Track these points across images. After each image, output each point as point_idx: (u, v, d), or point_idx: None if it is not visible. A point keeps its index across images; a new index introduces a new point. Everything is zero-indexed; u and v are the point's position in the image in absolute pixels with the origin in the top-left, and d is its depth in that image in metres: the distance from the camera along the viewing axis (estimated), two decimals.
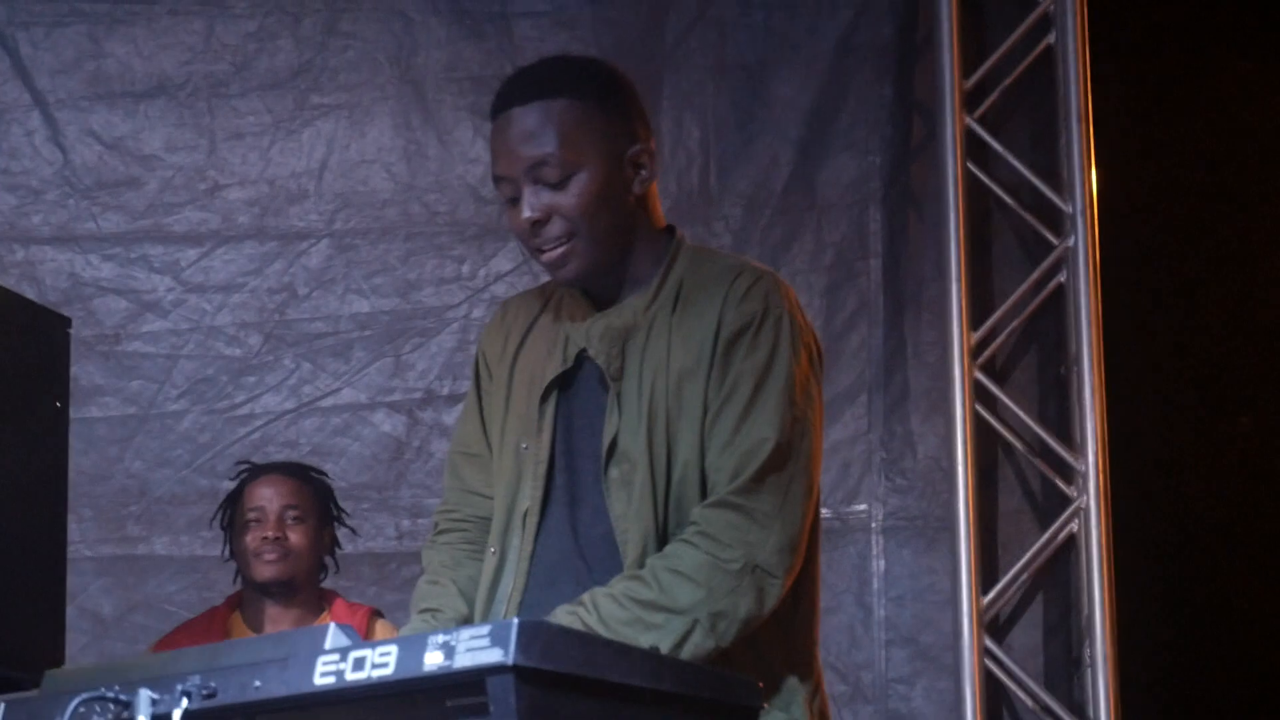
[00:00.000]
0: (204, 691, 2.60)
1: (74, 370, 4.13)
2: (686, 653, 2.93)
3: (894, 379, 6.03)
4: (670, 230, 3.35)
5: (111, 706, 2.67)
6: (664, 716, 2.65)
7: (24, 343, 4.02)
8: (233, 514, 4.98)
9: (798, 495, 3.11)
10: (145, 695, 2.63)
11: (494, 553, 3.24)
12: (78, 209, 6.31)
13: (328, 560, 5.20)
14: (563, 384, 3.23)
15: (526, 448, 3.23)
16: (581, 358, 3.22)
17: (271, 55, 6.37)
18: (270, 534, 4.89)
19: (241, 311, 6.22)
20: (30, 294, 4.43)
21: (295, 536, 4.92)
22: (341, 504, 6.01)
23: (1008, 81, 6.15)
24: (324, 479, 5.22)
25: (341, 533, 6.03)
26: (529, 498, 3.20)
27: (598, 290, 3.27)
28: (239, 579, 5.19)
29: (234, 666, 2.64)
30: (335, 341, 6.17)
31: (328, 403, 6.13)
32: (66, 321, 4.19)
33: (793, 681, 3.13)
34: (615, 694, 2.53)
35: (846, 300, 6.06)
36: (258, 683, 2.57)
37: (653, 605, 2.94)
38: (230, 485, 5.36)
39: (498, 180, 3.26)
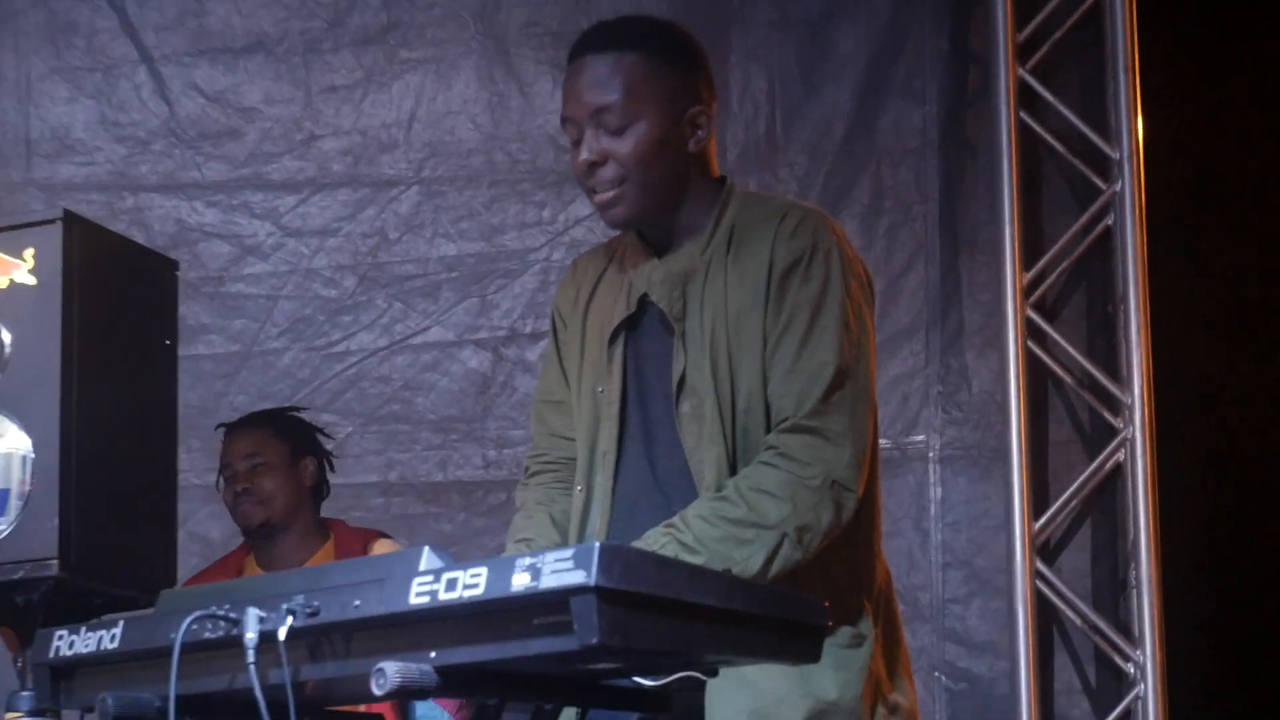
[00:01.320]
0: (308, 610, 2.63)
1: (181, 310, 4.19)
2: (777, 565, 2.99)
3: (950, 317, 6.03)
4: (722, 180, 3.37)
5: (222, 623, 2.70)
6: (736, 635, 2.68)
7: (135, 285, 4.05)
8: (220, 471, 5.02)
9: (862, 414, 3.15)
10: (253, 613, 2.65)
11: (581, 490, 3.29)
12: (183, 159, 6.36)
13: (319, 488, 5.18)
14: (629, 327, 3.27)
15: (602, 391, 3.27)
16: (645, 302, 3.26)
17: (362, 13, 6.39)
18: (239, 486, 4.92)
19: (337, 255, 6.26)
20: (139, 239, 4.48)
21: (264, 482, 4.93)
22: (431, 436, 6.08)
23: (1058, 34, 6.13)
24: (294, 417, 5.22)
25: (433, 459, 6.10)
26: (606, 438, 3.24)
27: (655, 238, 3.31)
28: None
29: (335, 587, 2.67)
30: (424, 283, 6.19)
31: (418, 340, 6.16)
32: (174, 264, 4.23)
33: (859, 598, 3.17)
34: (690, 614, 2.55)
35: (905, 242, 6.06)
36: (357, 602, 2.60)
37: (743, 522, 2.98)
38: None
39: (564, 121, 3.32)
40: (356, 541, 4.94)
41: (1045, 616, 5.85)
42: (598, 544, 2.45)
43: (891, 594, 3.32)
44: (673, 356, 3.20)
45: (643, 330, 3.28)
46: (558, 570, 2.41)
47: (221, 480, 4.93)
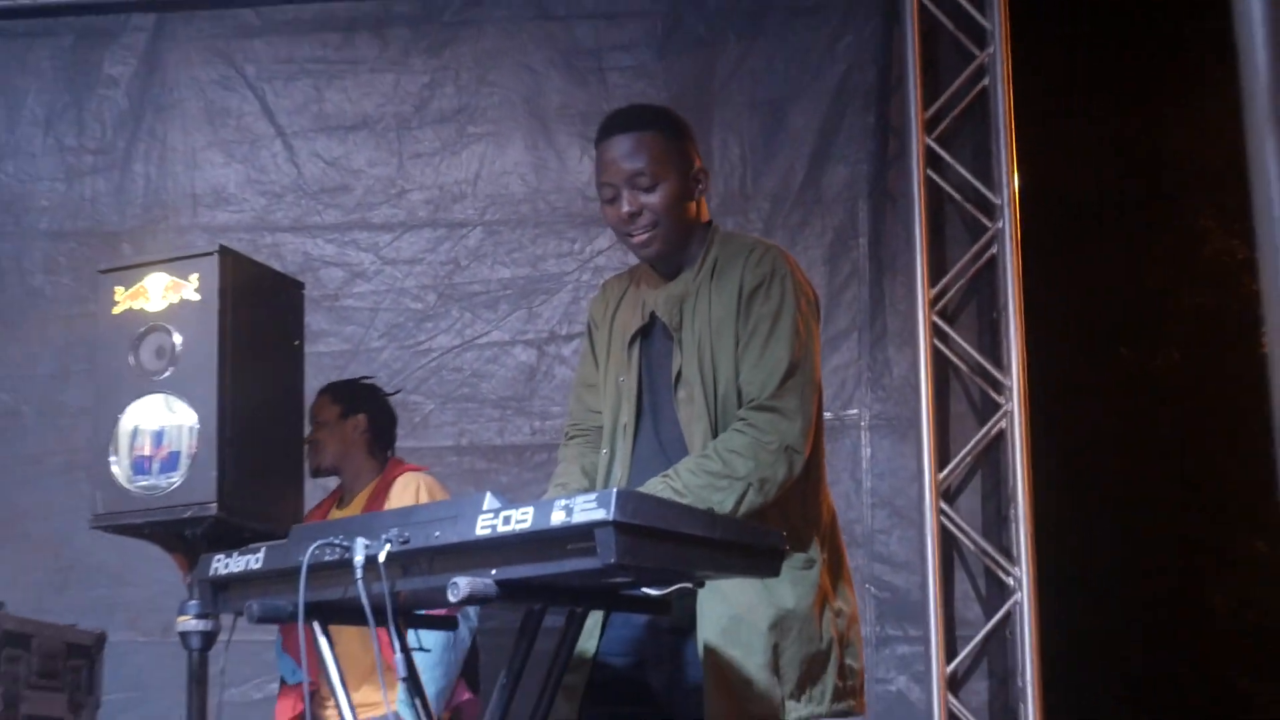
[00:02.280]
0: (401, 539, 2.68)
1: (306, 319, 4.19)
2: (744, 506, 3.01)
3: (876, 322, 6.01)
4: (709, 223, 3.40)
5: (338, 549, 2.74)
6: (716, 557, 2.74)
7: (271, 300, 4.07)
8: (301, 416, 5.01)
9: (809, 396, 3.18)
10: (360, 541, 2.72)
11: (606, 452, 3.30)
12: (307, 207, 6.36)
13: (372, 430, 5.12)
14: (643, 335, 3.31)
15: (623, 380, 3.30)
16: (654, 316, 3.29)
17: (439, 99, 6.38)
18: (325, 440, 4.91)
19: (421, 278, 6.25)
20: (276, 266, 4.49)
21: (319, 436, 4.91)
22: (492, 411, 6.08)
23: (955, 112, 6.10)
24: (349, 383, 5.18)
25: (493, 428, 6.09)
26: (627, 414, 3.27)
27: (664, 269, 3.33)
28: None
29: (421, 522, 2.72)
30: (486, 298, 6.19)
31: (482, 340, 6.16)
32: (300, 285, 4.25)
33: (810, 532, 3.18)
34: (683, 541, 2.62)
35: (843, 267, 6.04)
36: (437, 533, 2.65)
37: (719, 474, 3.01)
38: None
39: (602, 185, 3.32)
40: (395, 474, 4.92)
41: (947, 543, 5.85)
42: (615, 489, 2.50)
43: (836, 528, 3.33)
44: (672, 357, 3.24)
45: (652, 337, 3.32)
46: (585, 509, 2.46)
47: (313, 422, 4.92)
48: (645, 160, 3.24)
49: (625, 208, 3.24)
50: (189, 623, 3.69)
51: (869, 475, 5.96)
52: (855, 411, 5.97)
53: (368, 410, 5.02)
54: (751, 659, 3.02)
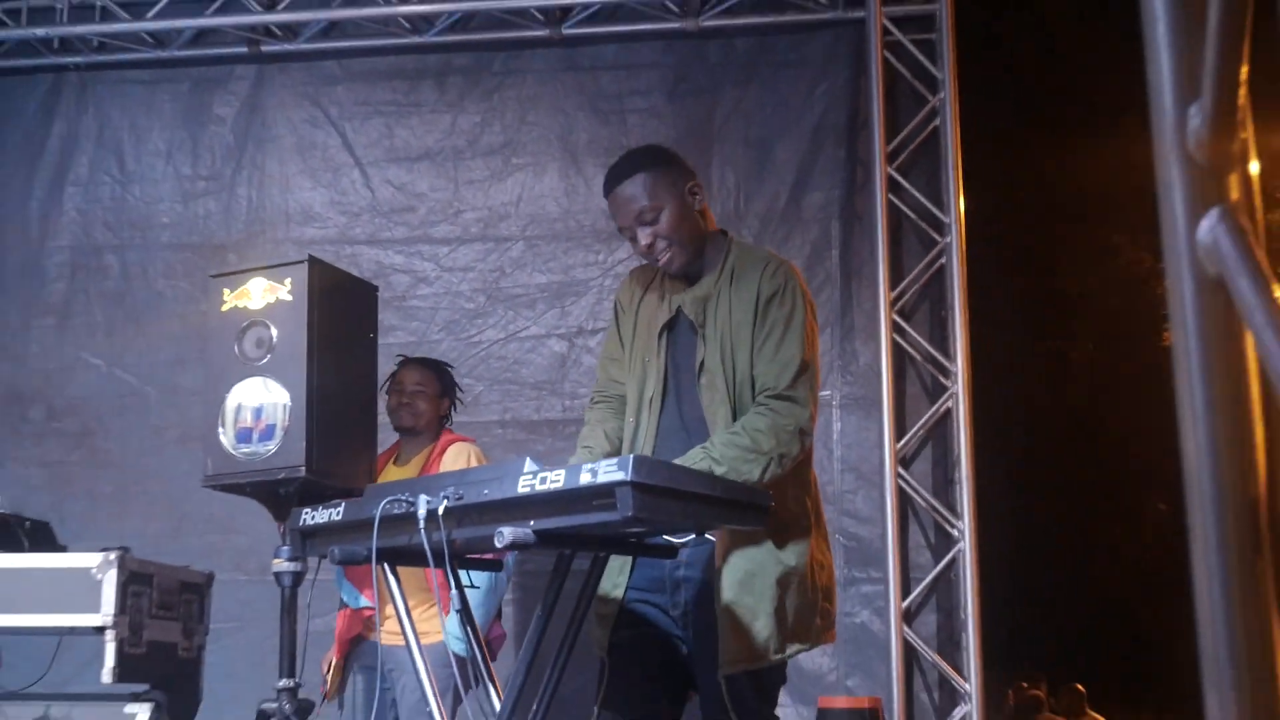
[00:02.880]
0: (456, 495, 2.68)
1: (379, 316, 4.19)
2: (768, 476, 3.01)
3: (846, 319, 5.99)
4: (724, 232, 3.39)
5: (404, 504, 2.76)
6: (713, 510, 2.74)
7: (350, 300, 4.07)
8: (388, 388, 4.97)
9: (814, 389, 3.19)
10: (423, 497, 2.73)
11: (632, 422, 3.28)
12: (380, 224, 6.36)
13: (450, 412, 5.10)
14: (670, 328, 3.28)
15: (649, 361, 3.27)
16: (680, 312, 3.27)
17: (488, 135, 6.38)
18: (405, 400, 4.87)
19: (474, 282, 6.25)
20: (354, 273, 4.49)
21: (420, 403, 4.88)
22: (531, 392, 6.08)
23: (912, 146, 6.08)
24: (449, 371, 5.17)
25: (531, 406, 6.09)
26: (653, 390, 3.24)
27: (688, 274, 3.31)
28: None
29: (473, 482, 2.74)
30: (526, 299, 6.18)
31: (522, 334, 6.15)
32: (374, 288, 4.25)
33: (804, 500, 3.18)
34: (687, 498, 2.63)
35: (818, 274, 6.02)
36: (486, 491, 2.67)
37: (749, 449, 2.99)
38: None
39: (620, 229, 3.34)
40: (448, 443, 4.91)
41: (903, 501, 5.84)
42: (632, 455, 2.52)
43: (819, 494, 3.32)
44: (696, 348, 3.21)
45: (678, 330, 3.29)
46: (607, 471, 2.48)
47: (390, 394, 4.90)
48: (644, 199, 3.22)
49: (643, 241, 3.24)
50: (282, 564, 3.71)
51: (839, 445, 5.95)
52: (828, 393, 5.95)
53: (450, 396, 5.02)
54: (762, 606, 3.03)
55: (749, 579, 3.04)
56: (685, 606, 3.13)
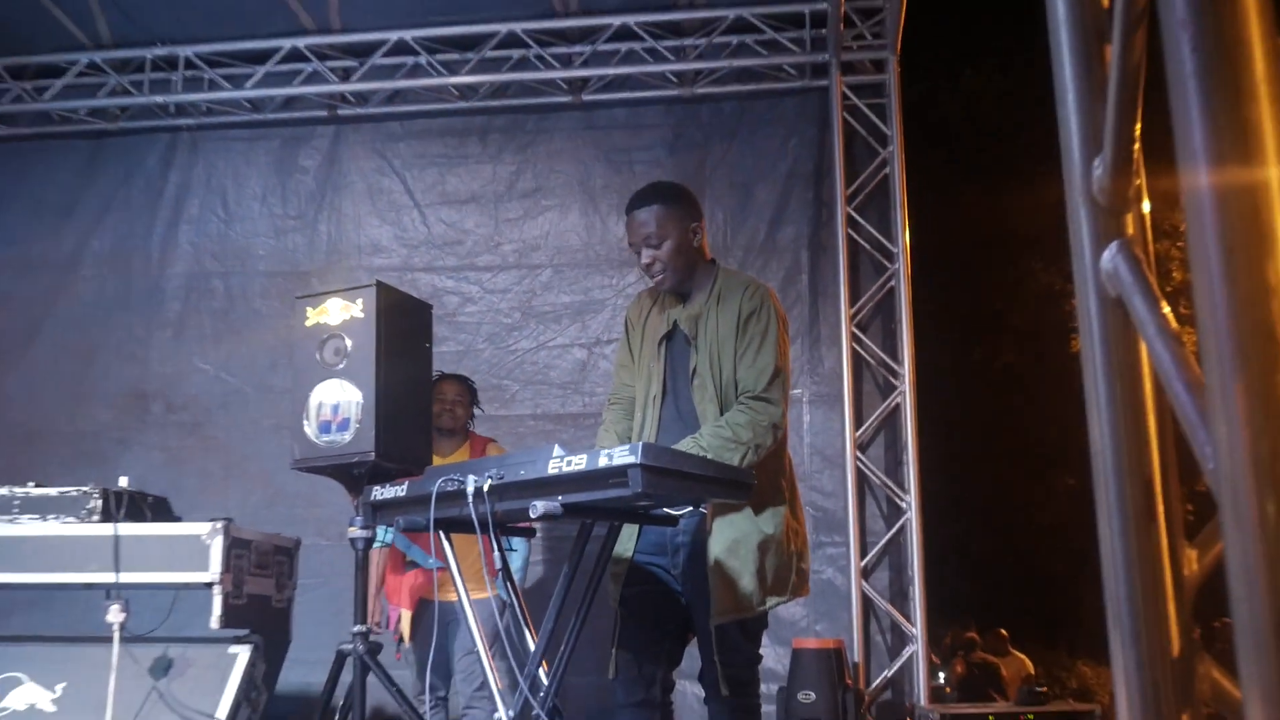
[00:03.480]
0: (499, 475, 2.68)
1: (435, 329, 4.18)
2: (746, 461, 2.99)
3: (813, 330, 5.98)
4: (714, 261, 3.37)
5: (456, 482, 2.74)
6: (706, 487, 2.73)
7: (410, 316, 4.04)
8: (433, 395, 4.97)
9: (786, 390, 3.16)
10: (471, 477, 2.71)
11: (640, 416, 3.27)
12: (435, 254, 6.37)
13: (475, 414, 5.10)
14: (668, 340, 3.26)
15: (652, 366, 3.26)
16: (676, 327, 3.25)
17: (523, 181, 6.38)
18: (447, 408, 4.88)
19: (510, 301, 6.25)
20: (414, 294, 4.48)
21: (458, 410, 4.89)
22: (558, 391, 6.07)
23: (867, 189, 6.09)
24: (470, 381, 5.19)
25: (557, 403, 6.08)
26: (655, 390, 3.23)
27: (681, 293, 3.29)
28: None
29: (511, 464, 2.72)
30: (554, 315, 6.18)
31: (551, 344, 6.14)
32: (429, 307, 4.21)
33: (779, 479, 3.16)
34: (686, 477, 2.62)
35: (791, 294, 6.01)
36: (522, 471, 2.65)
37: (730, 439, 2.99)
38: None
39: (630, 245, 3.32)
40: (480, 443, 4.90)
41: (860, 479, 5.83)
42: (641, 443, 2.50)
43: (794, 475, 3.30)
44: (689, 357, 3.20)
45: (675, 342, 3.27)
46: (621, 456, 2.47)
47: (435, 402, 4.90)
48: (653, 226, 3.21)
49: (644, 260, 3.24)
50: (355, 531, 3.68)
51: (809, 434, 5.94)
52: (800, 391, 5.95)
53: (476, 404, 5.03)
54: (746, 567, 3.03)
55: (735, 545, 3.04)
56: (682, 566, 3.13)
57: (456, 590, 3.08)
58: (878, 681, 5.67)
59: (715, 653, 3.02)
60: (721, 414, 3.10)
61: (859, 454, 5.85)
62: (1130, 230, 0.85)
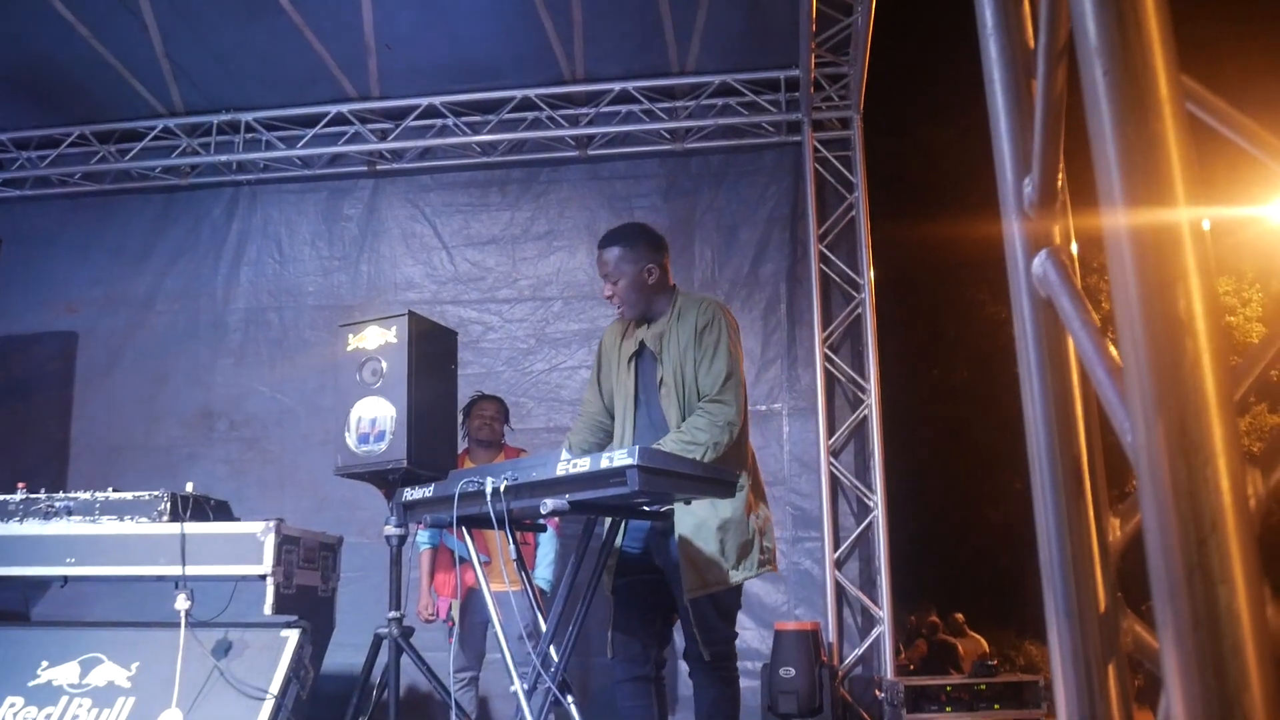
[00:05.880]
0: (513, 477, 2.64)
1: (459, 355, 4.15)
2: (708, 457, 2.95)
3: (791, 352, 5.94)
4: (674, 287, 3.32)
5: (475, 483, 2.71)
6: (697, 485, 2.69)
7: (437, 342, 4.02)
8: (469, 412, 4.94)
9: (740, 392, 3.11)
10: (489, 478, 2.68)
11: (619, 425, 3.24)
12: (460, 290, 6.35)
13: (507, 432, 5.09)
14: (637, 358, 3.24)
15: (625, 383, 3.24)
16: (644, 346, 3.23)
17: (537, 225, 6.37)
18: (485, 422, 4.85)
19: (526, 329, 6.23)
20: (442, 323, 4.47)
21: (496, 426, 4.87)
22: (567, 407, 6.03)
23: (836, 230, 6.08)
24: (503, 401, 5.17)
25: (567, 417, 6.03)
26: (628, 404, 3.21)
27: (644, 319, 3.26)
28: (467, 440, 5.00)
29: (524, 467, 2.68)
30: (564, 341, 6.15)
31: (562, 366, 6.11)
32: (454, 333, 4.19)
33: (740, 468, 3.09)
34: (677, 476, 2.58)
35: (772, 321, 6.00)
36: (534, 473, 2.62)
37: (690, 442, 2.95)
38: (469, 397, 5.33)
39: (600, 274, 3.31)
40: (513, 453, 4.88)
41: (834, 482, 5.79)
42: (638, 446, 2.47)
43: (757, 466, 3.25)
44: (656, 370, 3.17)
45: (643, 360, 3.24)
46: (620, 458, 2.43)
47: (475, 417, 4.88)
48: (611, 266, 3.21)
49: (607, 292, 3.25)
50: (390, 530, 3.67)
51: (788, 442, 5.90)
52: (779, 405, 5.92)
53: (507, 420, 5.02)
54: (708, 547, 2.99)
55: (697, 528, 3.00)
56: (659, 552, 3.10)
57: (478, 580, 3.05)
58: (850, 659, 5.61)
59: (694, 627, 2.98)
60: (682, 418, 3.06)
61: (832, 459, 5.81)
62: (1057, 240, 0.83)
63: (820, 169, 6.14)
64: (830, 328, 5.96)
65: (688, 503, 2.87)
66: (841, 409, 5.95)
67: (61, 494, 4.30)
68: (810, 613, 5.62)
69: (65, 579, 4.34)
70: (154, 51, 6.01)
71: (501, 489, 2.65)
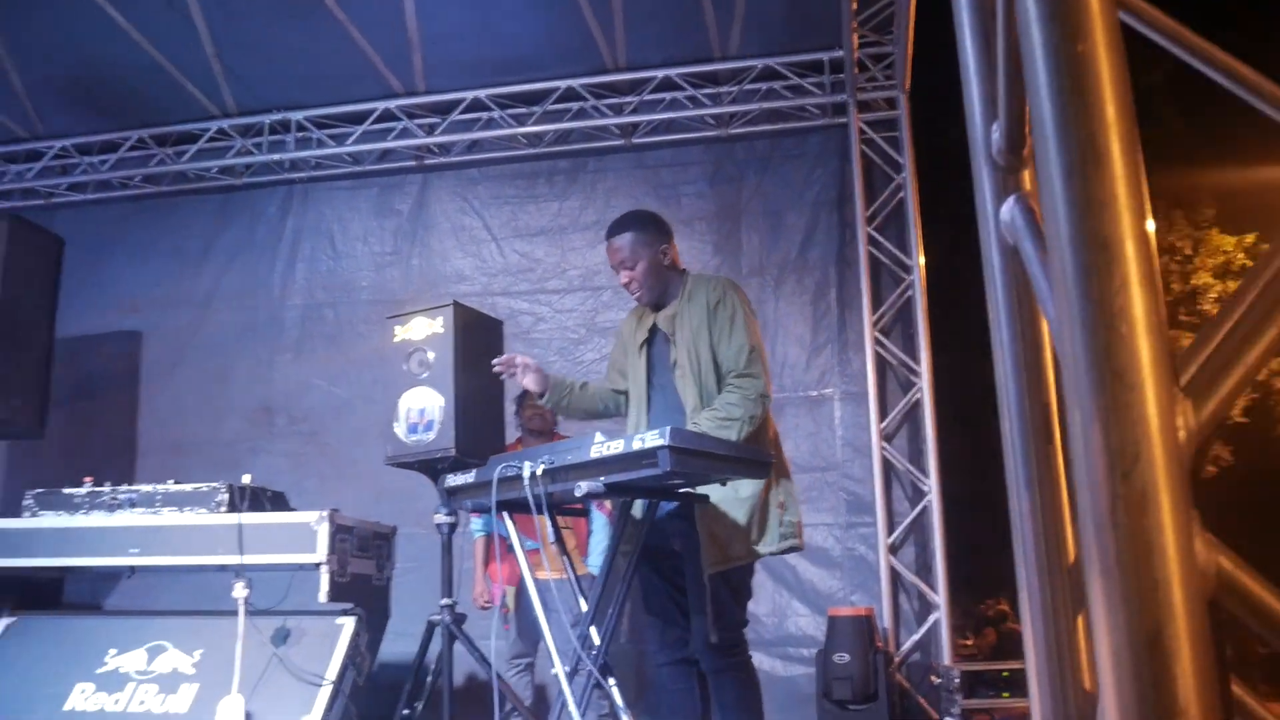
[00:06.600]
0: (550, 461, 2.67)
1: (511, 347, 4.20)
2: (743, 434, 2.93)
3: (841, 336, 5.89)
4: (684, 270, 3.32)
5: (514, 468, 2.74)
6: (729, 465, 2.68)
7: (484, 333, 4.06)
8: (521, 402, 4.97)
9: (764, 364, 3.09)
10: (526, 463, 2.70)
11: (635, 416, 3.23)
12: (511, 281, 6.40)
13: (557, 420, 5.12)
14: (649, 344, 3.24)
15: (636, 367, 3.25)
16: (655, 329, 3.23)
17: (585, 215, 6.38)
18: (536, 412, 4.89)
19: (576, 319, 6.25)
20: (493, 315, 4.51)
21: (547, 415, 4.90)
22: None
23: (885, 212, 6.02)
24: None
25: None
26: (641, 390, 3.22)
27: (657, 304, 3.27)
28: (521, 429, 5.08)
29: (560, 450, 2.70)
30: (614, 329, 6.06)
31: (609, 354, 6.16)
32: (500, 322, 4.24)
33: (759, 442, 3.05)
34: (709, 457, 2.58)
35: (821, 306, 5.95)
36: (570, 456, 2.64)
37: (725, 418, 2.94)
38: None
39: (611, 266, 3.32)
40: (560, 438, 4.93)
41: (886, 467, 5.74)
42: (669, 427, 2.47)
43: (778, 440, 3.20)
44: (669, 353, 3.17)
45: (656, 343, 3.24)
46: (651, 439, 2.44)
47: (527, 407, 4.93)
48: (626, 252, 3.21)
49: (622, 280, 3.25)
50: (440, 517, 3.72)
51: (839, 427, 5.86)
52: (831, 390, 5.88)
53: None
54: (728, 521, 2.97)
55: (717, 504, 2.98)
56: (679, 535, 3.07)
57: (520, 567, 3.07)
58: (907, 645, 5.57)
59: (707, 604, 2.92)
60: (700, 397, 3.05)
61: (885, 444, 5.76)
62: (1026, 186, 0.82)
63: (867, 150, 6.08)
64: (880, 310, 5.91)
65: (723, 484, 2.86)
66: (894, 393, 5.89)
67: (125, 486, 4.44)
68: (865, 599, 5.59)
69: (132, 569, 4.48)
70: (206, 54, 6.15)
71: (539, 473, 2.67)
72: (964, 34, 0.84)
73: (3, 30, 5.81)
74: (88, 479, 4.55)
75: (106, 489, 4.44)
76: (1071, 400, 0.58)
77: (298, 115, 6.68)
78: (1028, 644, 0.77)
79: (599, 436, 2.63)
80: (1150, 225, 0.60)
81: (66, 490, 4.50)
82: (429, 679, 3.69)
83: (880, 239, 5.99)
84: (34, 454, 6.28)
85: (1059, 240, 0.60)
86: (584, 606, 3.02)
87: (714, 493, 2.96)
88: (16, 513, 4.53)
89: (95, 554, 4.29)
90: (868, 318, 5.83)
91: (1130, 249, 0.58)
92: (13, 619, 4.44)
